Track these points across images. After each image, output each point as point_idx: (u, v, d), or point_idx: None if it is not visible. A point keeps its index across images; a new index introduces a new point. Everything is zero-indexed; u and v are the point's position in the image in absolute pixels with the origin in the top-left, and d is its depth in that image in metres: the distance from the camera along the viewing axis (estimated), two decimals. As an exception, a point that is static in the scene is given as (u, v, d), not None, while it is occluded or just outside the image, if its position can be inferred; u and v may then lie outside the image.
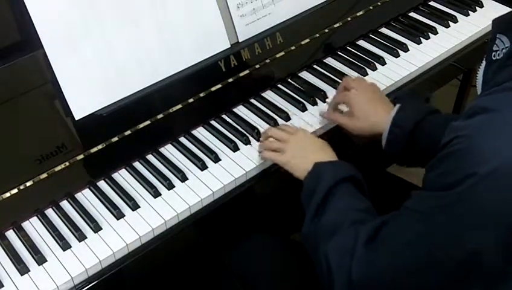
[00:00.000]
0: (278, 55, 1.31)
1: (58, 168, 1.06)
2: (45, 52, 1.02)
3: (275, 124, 1.23)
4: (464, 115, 0.76)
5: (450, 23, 1.49)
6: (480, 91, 0.90)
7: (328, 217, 0.93)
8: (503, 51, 0.81)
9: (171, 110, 1.18)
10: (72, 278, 0.97)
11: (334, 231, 0.89)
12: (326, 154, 1.07)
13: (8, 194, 1.02)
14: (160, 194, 1.09)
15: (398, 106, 1.13)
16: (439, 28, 1.48)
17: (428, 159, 1.09)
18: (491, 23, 0.88)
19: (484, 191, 0.70)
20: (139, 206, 1.07)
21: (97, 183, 1.12)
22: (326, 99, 1.29)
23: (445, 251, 0.75)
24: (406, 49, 1.42)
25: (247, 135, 1.20)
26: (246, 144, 1.19)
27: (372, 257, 0.82)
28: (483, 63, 0.88)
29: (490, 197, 0.70)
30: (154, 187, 1.09)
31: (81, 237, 1.02)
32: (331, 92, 1.30)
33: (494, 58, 0.83)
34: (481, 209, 0.71)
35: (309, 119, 1.24)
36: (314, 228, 0.94)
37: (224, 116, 1.26)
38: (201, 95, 1.21)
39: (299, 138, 1.11)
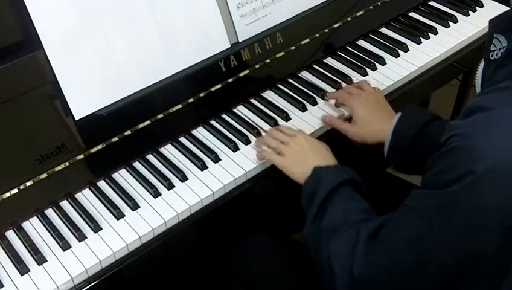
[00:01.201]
0: (278, 55, 1.31)
1: (58, 168, 1.06)
2: (45, 52, 1.02)
3: (275, 124, 1.23)
4: (462, 114, 0.77)
5: (450, 23, 1.49)
6: (479, 90, 0.91)
7: (329, 219, 0.94)
8: (501, 50, 0.81)
9: (171, 110, 1.18)
10: (72, 278, 0.97)
11: (335, 231, 0.90)
12: (325, 158, 1.07)
13: (8, 194, 1.02)
14: (160, 194, 1.09)
15: (399, 114, 1.13)
16: (439, 28, 1.48)
17: None
18: (488, 23, 0.88)
19: (482, 189, 0.70)
20: (139, 206, 1.07)
21: (97, 183, 1.12)
22: (326, 98, 1.29)
23: (444, 249, 0.75)
24: (406, 49, 1.42)
25: (247, 135, 1.20)
26: (246, 144, 1.19)
27: (373, 254, 0.82)
28: (482, 62, 0.89)
29: (489, 195, 0.70)
30: (154, 187, 1.09)
31: (81, 237, 1.02)
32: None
33: (492, 58, 0.83)
34: (480, 207, 0.71)
35: (309, 119, 1.24)
36: (315, 231, 0.95)
37: (224, 116, 1.26)
38: (201, 95, 1.21)
39: (299, 141, 1.10)
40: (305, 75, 1.37)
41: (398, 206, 0.84)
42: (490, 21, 0.88)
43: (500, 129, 0.71)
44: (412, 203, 0.81)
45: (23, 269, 0.98)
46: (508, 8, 0.86)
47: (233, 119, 1.25)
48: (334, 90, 1.30)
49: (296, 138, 1.11)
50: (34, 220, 1.06)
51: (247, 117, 1.25)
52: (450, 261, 0.75)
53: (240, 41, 1.26)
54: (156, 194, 1.09)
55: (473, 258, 0.74)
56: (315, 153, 1.08)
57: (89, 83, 1.08)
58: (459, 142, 0.73)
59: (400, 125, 1.11)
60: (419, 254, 0.77)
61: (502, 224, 0.71)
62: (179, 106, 1.19)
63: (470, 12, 1.52)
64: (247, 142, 1.19)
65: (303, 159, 1.06)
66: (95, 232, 1.03)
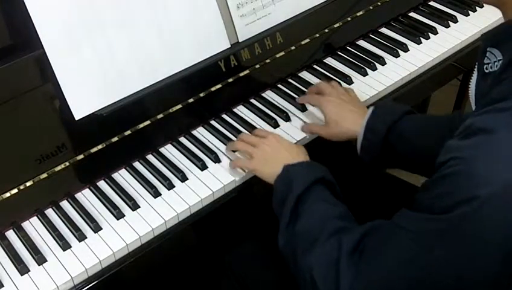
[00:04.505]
0: (278, 55, 1.31)
1: (58, 168, 1.06)
2: (45, 52, 1.02)
3: (275, 124, 1.23)
4: (460, 134, 0.75)
5: (450, 23, 1.49)
6: (473, 103, 0.89)
7: (304, 224, 0.91)
8: (496, 64, 0.79)
9: (171, 110, 1.18)
10: (72, 278, 0.97)
11: (314, 240, 0.87)
12: (297, 157, 1.05)
13: (8, 194, 1.02)
14: (160, 194, 1.09)
15: (371, 109, 1.11)
16: (439, 28, 1.48)
17: (407, 161, 1.07)
18: (481, 37, 0.87)
19: (487, 214, 0.68)
20: (139, 206, 1.07)
21: (97, 183, 1.12)
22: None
23: (442, 273, 0.74)
24: (406, 49, 1.42)
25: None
26: (245, 144, 1.18)
27: (361, 270, 0.80)
28: (475, 74, 0.87)
29: (490, 221, 0.69)
30: (154, 187, 1.09)
31: (81, 237, 1.02)
32: (331, 92, 1.30)
33: (486, 71, 0.81)
34: (481, 233, 0.70)
35: (309, 119, 1.24)
36: (290, 236, 0.92)
37: (224, 116, 1.26)
38: (201, 95, 1.21)
39: (269, 142, 1.09)
40: (305, 75, 1.37)
41: (398, 207, 0.82)
42: (483, 35, 0.87)
43: (503, 153, 0.69)
44: (404, 224, 0.78)
45: (23, 269, 0.98)
46: (501, 22, 0.84)
47: (233, 119, 1.25)
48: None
49: (266, 139, 1.10)
50: (34, 220, 1.06)
51: (247, 117, 1.25)
52: (447, 284, 0.74)
53: (240, 41, 1.26)
54: (156, 194, 1.09)
55: (471, 283, 0.73)
56: (286, 152, 1.06)
57: (89, 83, 1.08)
58: (460, 167, 0.71)
59: (371, 122, 1.09)
60: (414, 275, 0.76)
61: (503, 251, 0.70)
62: (179, 106, 1.18)
63: (470, 12, 1.52)
64: (247, 142, 1.19)
65: (273, 159, 1.05)
66: (95, 232, 1.03)
